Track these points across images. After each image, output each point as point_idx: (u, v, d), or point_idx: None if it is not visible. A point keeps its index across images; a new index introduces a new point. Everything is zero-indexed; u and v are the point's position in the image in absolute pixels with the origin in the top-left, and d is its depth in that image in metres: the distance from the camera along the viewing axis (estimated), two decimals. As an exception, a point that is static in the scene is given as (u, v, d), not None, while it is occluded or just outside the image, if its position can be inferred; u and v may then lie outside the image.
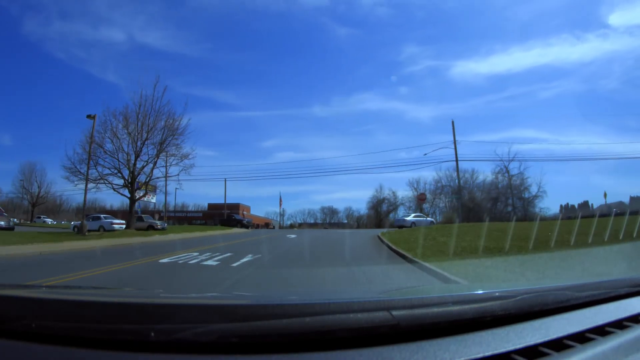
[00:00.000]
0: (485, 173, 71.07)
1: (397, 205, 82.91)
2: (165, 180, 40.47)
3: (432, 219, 38.74)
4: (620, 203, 44.01)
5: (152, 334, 0.98)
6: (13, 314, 1.13)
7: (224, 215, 56.48)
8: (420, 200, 42.90)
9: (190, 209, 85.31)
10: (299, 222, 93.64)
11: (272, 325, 1.02)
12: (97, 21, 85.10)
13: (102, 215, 36.11)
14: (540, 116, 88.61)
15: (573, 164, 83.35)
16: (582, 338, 1.18)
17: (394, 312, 1.09)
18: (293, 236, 26.24)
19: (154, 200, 42.15)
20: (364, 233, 29.92)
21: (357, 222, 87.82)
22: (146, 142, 32.56)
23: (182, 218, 74.60)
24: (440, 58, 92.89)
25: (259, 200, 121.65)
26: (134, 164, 32.42)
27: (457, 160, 39.81)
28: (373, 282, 8.13)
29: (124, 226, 32.37)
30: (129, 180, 32.30)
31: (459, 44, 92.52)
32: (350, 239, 21.42)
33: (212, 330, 1.00)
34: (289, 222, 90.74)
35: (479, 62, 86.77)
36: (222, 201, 69.25)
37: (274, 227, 72.21)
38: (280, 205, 74.76)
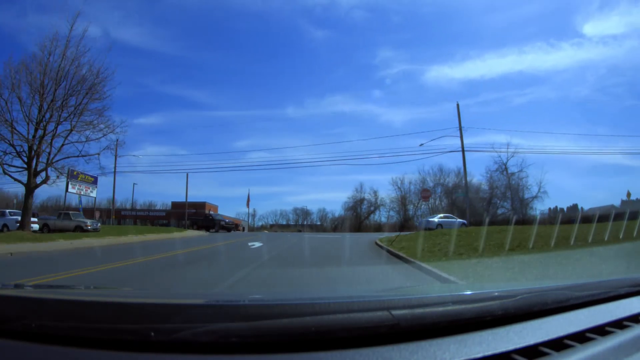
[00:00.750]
0: (473, 174, 65.50)
1: (378, 206, 76.18)
2: (115, 170, 36.33)
3: (464, 220, 31.49)
4: (612, 206, 40.90)
5: (152, 334, 0.98)
6: (13, 314, 1.12)
7: (199, 215, 50.54)
8: (424, 198, 33.74)
9: (158, 207, 79.24)
10: (271, 223, 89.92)
11: (272, 324, 1.02)
12: (72, 15, 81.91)
13: (7, 211, 29.09)
14: (513, 121, 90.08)
15: (560, 166, 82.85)
16: (582, 338, 1.18)
17: (394, 312, 1.10)
18: (257, 245, 17.79)
19: (93, 195, 32.82)
20: (356, 239, 22.88)
21: (334, 225, 79.26)
22: (55, 105, 23.04)
23: (145, 217, 70.61)
24: (414, 62, 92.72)
25: (230, 200, 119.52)
26: (35, 136, 22.86)
27: (463, 151, 32.45)
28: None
29: (37, 225, 26.45)
30: (30, 160, 23.06)
31: (434, 48, 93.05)
32: (350, 251, 15.22)
33: (212, 330, 1.00)
34: (260, 223, 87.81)
35: (453, 67, 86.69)
36: (191, 200, 64.20)
37: (243, 229, 67.83)
38: (248, 204, 70.00)
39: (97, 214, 38.60)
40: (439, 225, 28.05)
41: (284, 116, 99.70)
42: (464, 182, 58.21)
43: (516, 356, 1.03)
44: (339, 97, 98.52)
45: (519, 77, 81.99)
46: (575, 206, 54.64)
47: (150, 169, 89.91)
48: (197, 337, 0.98)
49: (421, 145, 39.06)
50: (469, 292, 1.51)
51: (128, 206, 73.27)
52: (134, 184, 70.99)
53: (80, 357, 0.96)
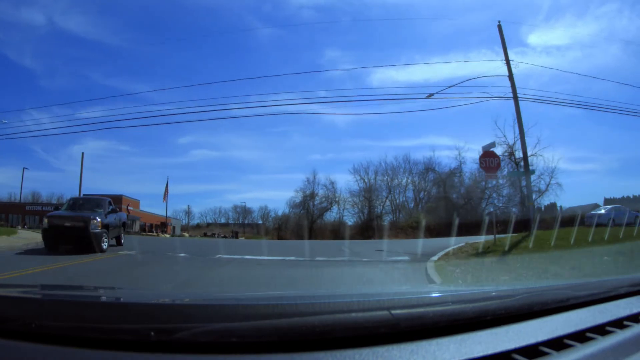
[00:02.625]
0: (444, 166, 58.59)
1: (336, 201, 60.98)
2: None
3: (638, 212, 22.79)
4: (595, 205, 38.00)
5: (152, 333, 0.97)
6: (13, 314, 1.12)
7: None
8: (489, 170, 16.23)
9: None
10: (209, 221, 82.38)
11: (272, 324, 1.02)
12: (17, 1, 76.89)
13: None
14: (455, 124, 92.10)
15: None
16: (582, 337, 1.18)
17: (394, 312, 1.10)
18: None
19: None
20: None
21: (277, 225, 64.43)
22: None
23: (46, 213, 60.20)
24: (360, 63, 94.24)
25: (170, 197, 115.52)
26: None
27: (516, 98, 18.17)
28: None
29: None
30: None
31: (381, 51, 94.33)
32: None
33: (212, 330, 1.00)
34: (197, 222, 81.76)
35: (398, 70, 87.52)
36: (105, 192, 52.26)
37: (172, 230, 60.11)
38: (166, 196, 55.72)
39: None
40: (612, 219, 18.49)
41: (228, 113, 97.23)
42: (453, 177, 47.77)
43: (516, 356, 1.03)
44: (284, 95, 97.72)
45: (462, 81, 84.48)
46: (553, 205, 48.21)
47: (93, 163, 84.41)
48: (197, 337, 0.98)
49: (429, 96, 21.98)
50: (468, 292, 1.53)
51: (54, 200, 61.86)
52: (23, 168, 53.72)
53: (80, 357, 0.96)
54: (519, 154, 41.08)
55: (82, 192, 57.03)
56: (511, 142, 42.75)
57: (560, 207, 45.40)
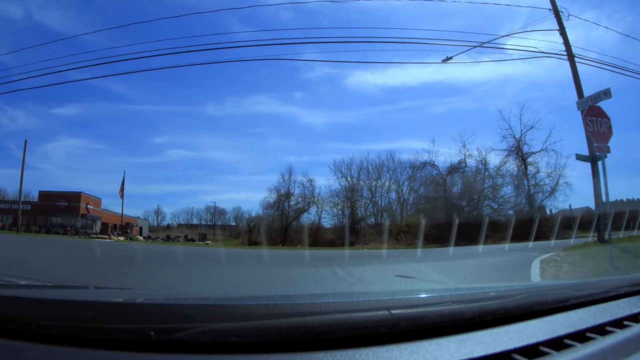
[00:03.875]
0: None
1: (314, 202, 52.13)
2: None
3: None
4: (587, 208, 34.54)
5: (152, 333, 0.97)
6: (13, 313, 1.12)
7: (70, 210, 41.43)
8: (598, 136, 10.19)
9: (35, 199, 56.40)
10: (181, 222, 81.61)
11: (272, 324, 1.02)
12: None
13: None
14: (431, 129, 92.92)
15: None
16: (582, 337, 1.18)
17: (394, 312, 1.10)
18: None
19: None
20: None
21: (250, 226, 55.53)
22: None
23: (5, 211, 53.18)
24: (337, 66, 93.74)
25: (140, 198, 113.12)
26: None
27: (571, 56, 13.87)
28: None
29: None
30: None
31: (358, 54, 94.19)
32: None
33: (212, 330, 0.99)
34: (167, 223, 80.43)
35: (375, 73, 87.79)
36: (63, 189, 52.34)
37: (139, 232, 57.73)
38: (122, 192, 50.15)
39: None
40: None
41: (203, 114, 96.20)
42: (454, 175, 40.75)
43: (516, 356, 1.04)
44: (261, 97, 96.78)
45: (439, 86, 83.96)
46: (543, 207, 43.55)
47: (66, 162, 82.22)
48: (197, 337, 0.97)
49: (446, 60, 19.99)
50: (468, 292, 1.52)
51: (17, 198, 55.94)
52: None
53: (80, 357, 0.95)
54: (526, 148, 38.98)
55: (40, 189, 54.21)
56: (518, 135, 38.48)
57: (551, 210, 42.49)
